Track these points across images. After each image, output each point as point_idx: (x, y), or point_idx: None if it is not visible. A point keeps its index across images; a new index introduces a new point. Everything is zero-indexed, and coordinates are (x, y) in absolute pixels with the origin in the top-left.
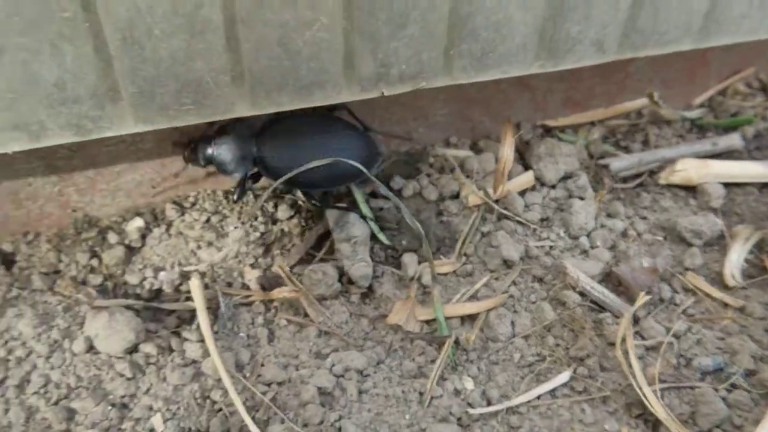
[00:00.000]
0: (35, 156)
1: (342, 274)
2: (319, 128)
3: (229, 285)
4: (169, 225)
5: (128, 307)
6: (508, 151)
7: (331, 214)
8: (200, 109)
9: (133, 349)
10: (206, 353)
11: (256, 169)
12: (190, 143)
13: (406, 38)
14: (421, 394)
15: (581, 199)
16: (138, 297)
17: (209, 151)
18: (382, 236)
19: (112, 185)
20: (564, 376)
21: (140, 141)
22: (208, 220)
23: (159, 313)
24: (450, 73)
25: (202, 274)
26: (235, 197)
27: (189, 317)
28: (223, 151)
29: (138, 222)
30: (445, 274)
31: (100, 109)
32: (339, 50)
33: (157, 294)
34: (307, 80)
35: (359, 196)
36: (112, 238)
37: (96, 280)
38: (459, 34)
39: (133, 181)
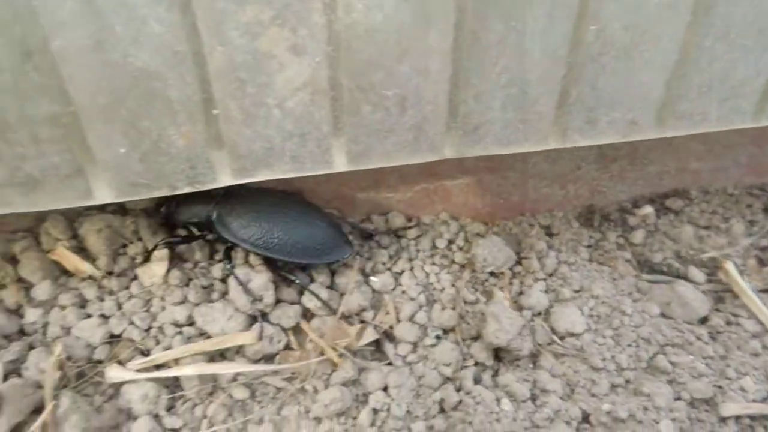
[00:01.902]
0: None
1: None
2: (291, 203)
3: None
4: (676, 213)
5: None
6: None
7: None
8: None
9: (704, 319)
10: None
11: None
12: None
13: None
14: None
15: None
16: (663, 273)
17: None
18: None
19: (637, 174)
20: None
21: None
22: (713, 212)
23: None
24: None
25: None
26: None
27: (718, 296)
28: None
29: (648, 209)
30: None
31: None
32: None
33: (678, 273)
34: None
35: None
36: (631, 220)
37: (625, 255)
38: None
39: (654, 171)
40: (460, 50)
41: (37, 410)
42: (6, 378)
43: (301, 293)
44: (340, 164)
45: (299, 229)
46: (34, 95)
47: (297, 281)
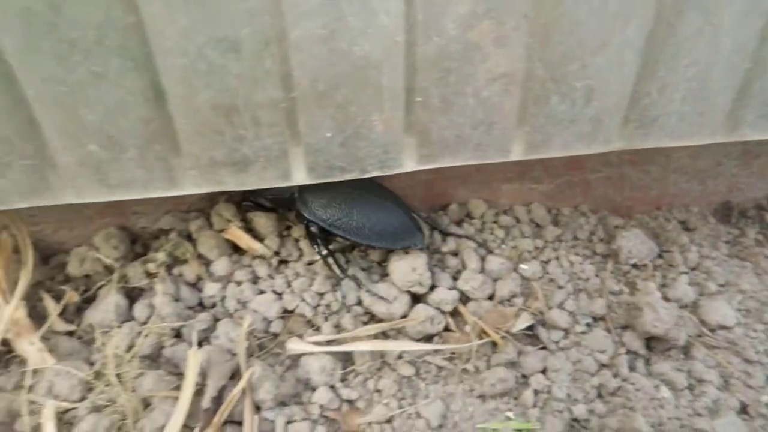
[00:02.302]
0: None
1: None
2: (370, 187)
3: None
4: None
5: None
6: None
7: None
8: None
9: None
10: None
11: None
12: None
13: None
14: None
15: None
16: None
17: None
18: None
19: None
20: None
21: None
22: None
23: None
24: None
25: None
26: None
27: None
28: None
29: None
30: None
31: None
32: None
33: None
34: None
35: None
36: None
37: (765, 252)
38: None
39: None
40: (653, 43)
41: (232, 376)
42: (200, 345)
43: (454, 278)
44: (517, 153)
45: (377, 213)
46: (263, 81)
47: (448, 267)
